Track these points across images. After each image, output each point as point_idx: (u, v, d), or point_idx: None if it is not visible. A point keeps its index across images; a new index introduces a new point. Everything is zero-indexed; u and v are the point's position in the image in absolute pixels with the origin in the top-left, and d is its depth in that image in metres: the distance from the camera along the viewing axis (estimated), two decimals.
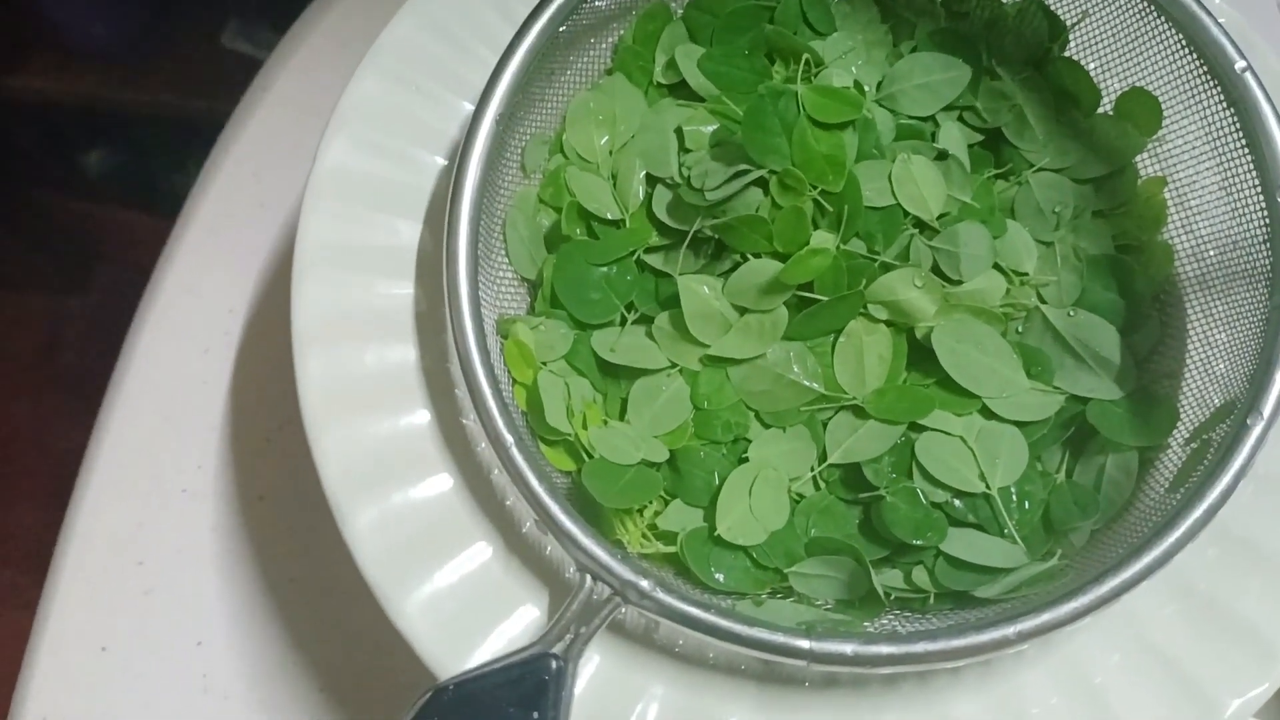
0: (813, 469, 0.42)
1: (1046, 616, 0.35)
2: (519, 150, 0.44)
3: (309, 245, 0.41)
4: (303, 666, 0.50)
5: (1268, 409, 0.36)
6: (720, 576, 0.39)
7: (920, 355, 0.42)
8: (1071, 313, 0.42)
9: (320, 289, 0.41)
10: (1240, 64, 0.38)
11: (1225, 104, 0.40)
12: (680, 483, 0.41)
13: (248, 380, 0.54)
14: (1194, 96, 0.41)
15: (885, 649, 0.35)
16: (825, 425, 0.42)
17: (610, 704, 0.38)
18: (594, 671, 0.38)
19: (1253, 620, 0.38)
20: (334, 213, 0.42)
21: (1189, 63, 0.41)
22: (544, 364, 0.41)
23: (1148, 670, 0.38)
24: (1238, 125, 0.39)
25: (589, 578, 0.37)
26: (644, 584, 0.36)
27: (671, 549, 0.40)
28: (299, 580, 0.51)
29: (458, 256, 0.38)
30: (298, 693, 0.49)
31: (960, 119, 0.45)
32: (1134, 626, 0.39)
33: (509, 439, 0.36)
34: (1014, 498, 0.41)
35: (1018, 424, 0.41)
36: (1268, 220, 0.38)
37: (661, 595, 0.35)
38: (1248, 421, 0.36)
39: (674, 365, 0.42)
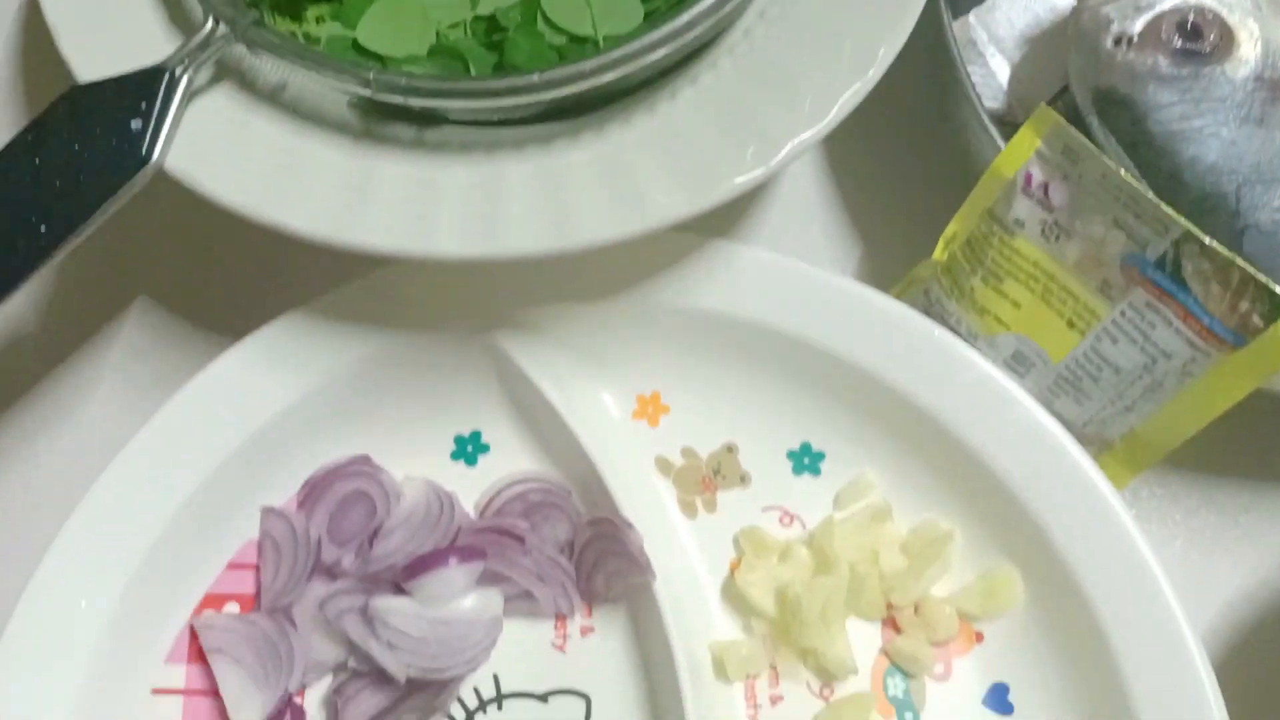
0: (465, 22, 0.49)
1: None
2: None
3: None
4: None
5: None
6: None
7: None
8: None
9: None
10: None
11: None
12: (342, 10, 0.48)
13: None
14: None
15: (438, 84, 0.42)
16: None
17: (214, 134, 0.45)
18: (208, 104, 0.46)
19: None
20: None
21: None
22: None
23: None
24: None
25: (211, 18, 0.44)
26: (252, 15, 0.43)
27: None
28: None
29: None
30: None
31: None
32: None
33: None
34: None
35: None
36: None
37: (265, 33, 0.43)
38: None
39: None
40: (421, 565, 0.46)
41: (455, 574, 0.46)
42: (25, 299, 0.55)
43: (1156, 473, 0.52)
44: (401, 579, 0.46)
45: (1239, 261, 0.42)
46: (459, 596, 0.46)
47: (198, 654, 0.48)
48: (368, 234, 0.43)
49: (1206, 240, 0.42)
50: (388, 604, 0.46)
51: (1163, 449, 0.48)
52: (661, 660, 0.46)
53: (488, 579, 0.47)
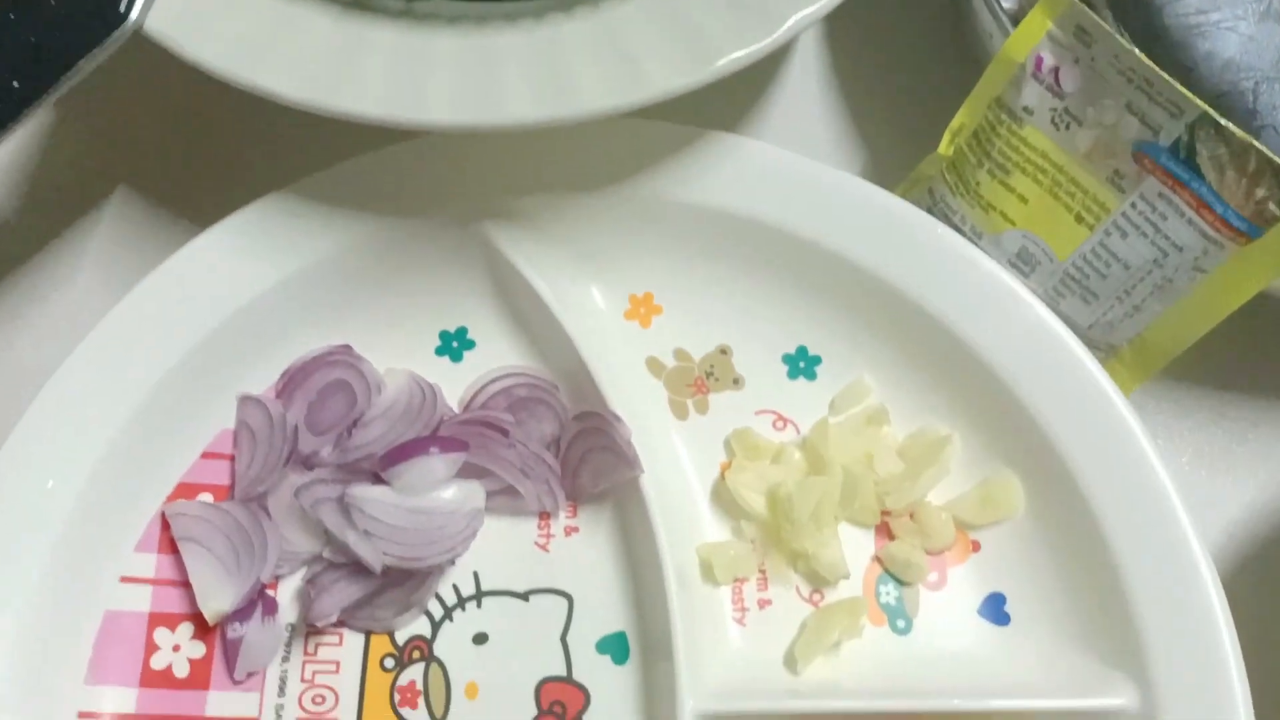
0: None
1: None
2: None
3: None
4: None
5: None
6: None
7: None
8: None
9: None
10: None
11: None
12: None
13: None
14: None
15: None
16: None
17: None
18: None
19: None
20: None
21: None
22: None
23: None
24: None
25: None
26: None
27: None
28: None
29: None
30: None
31: None
32: None
33: None
34: None
35: None
36: None
37: None
38: None
39: None
40: (400, 453, 0.44)
41: (435, 463, 0.44)
42: (2, 186, 0.54)
43: (1163, 386, 0.51)
44: (380, 468, 0.45)
45: (1257, 145, 0.40)
46: (439, 487, 0.45)
47: (169, 544, 0.46)
48: (358, 100, 0.42)
49: (1223, 122, 0.41)
50: (365, 492, 0.44)
51: (1170, 352, 0.46)
52: (647, 560, 0.45)
53: (470, 472, 0.46)
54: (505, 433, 0.46)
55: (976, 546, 0.47)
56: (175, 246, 0.47)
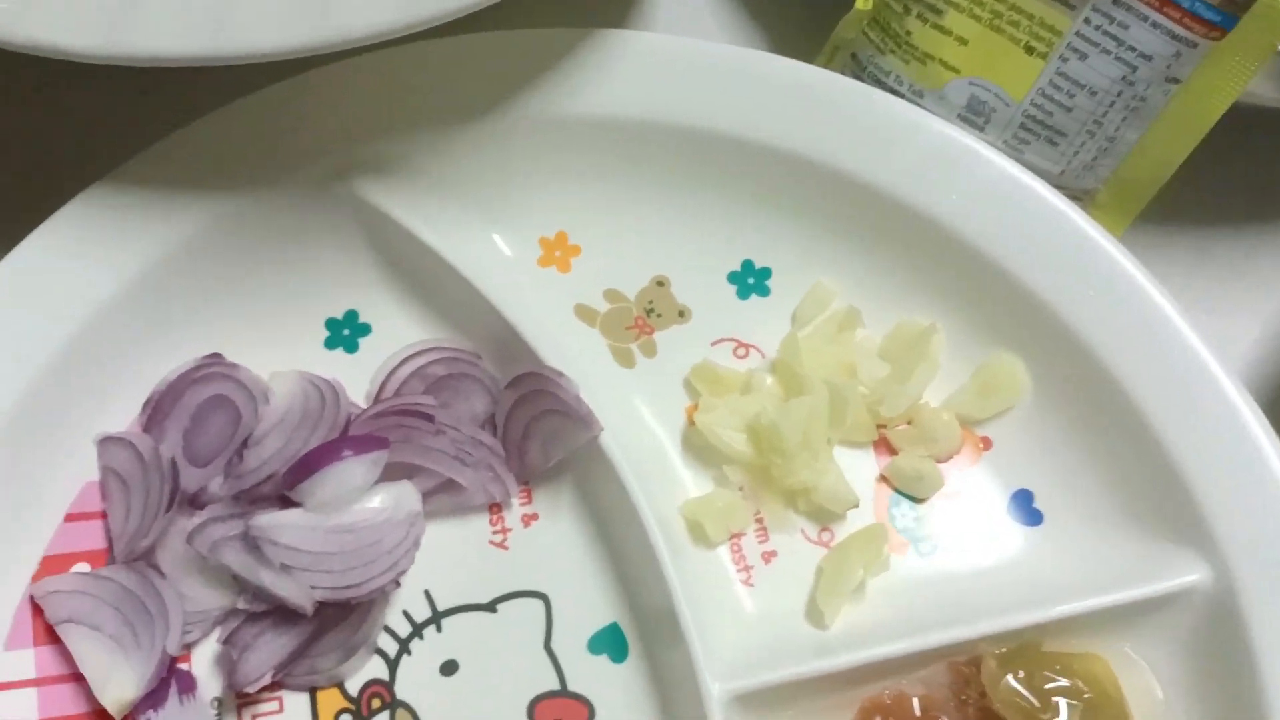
0: None
1: None
2: None
3: None
4: None
5: None
6: None
7: None
8: None
9: None
10: None
11: None
12: None
13: None
14: None
15: None
16: None
17: None
18: None
19: None
20: None
21: None
22: None
23: None
24: None
25: None
26: None
27: None
28: None
29: None
30: None
31: None
32: None
33: None
34: None
35: None
36: None
37: None
38: None
39: None
40: (307, 465, 0.36)
41: (352, 469, 0.36)
42: None
43: (1144, 235, 0.45)
44: (285, 487, 0.37)
45: None
46: (361, 497, 0.37)
47: (46, 632, 0.37)
48: (152, 38, 0.33)
49: None
50: (272, 520, 0.36)
51: (1151, 186, 0.41)
52: (627, 533, 0.38)
53: (396, 474, 0.38)
54: (430, 418, 0.38)
55: (987, 444, 0.41)
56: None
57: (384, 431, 0.38)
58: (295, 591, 0.35)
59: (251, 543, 0.36)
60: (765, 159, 0.42)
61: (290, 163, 0.40)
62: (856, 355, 0.41)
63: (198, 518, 0.38)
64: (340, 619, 0.37)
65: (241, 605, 0.37)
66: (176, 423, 0.39)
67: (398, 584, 0.37)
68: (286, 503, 0.37)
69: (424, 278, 0.42)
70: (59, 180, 0.39)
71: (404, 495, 0.37)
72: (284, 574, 0.35)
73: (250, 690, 0.36)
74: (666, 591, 0.36)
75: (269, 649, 0.36)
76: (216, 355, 0.40)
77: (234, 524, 0.37)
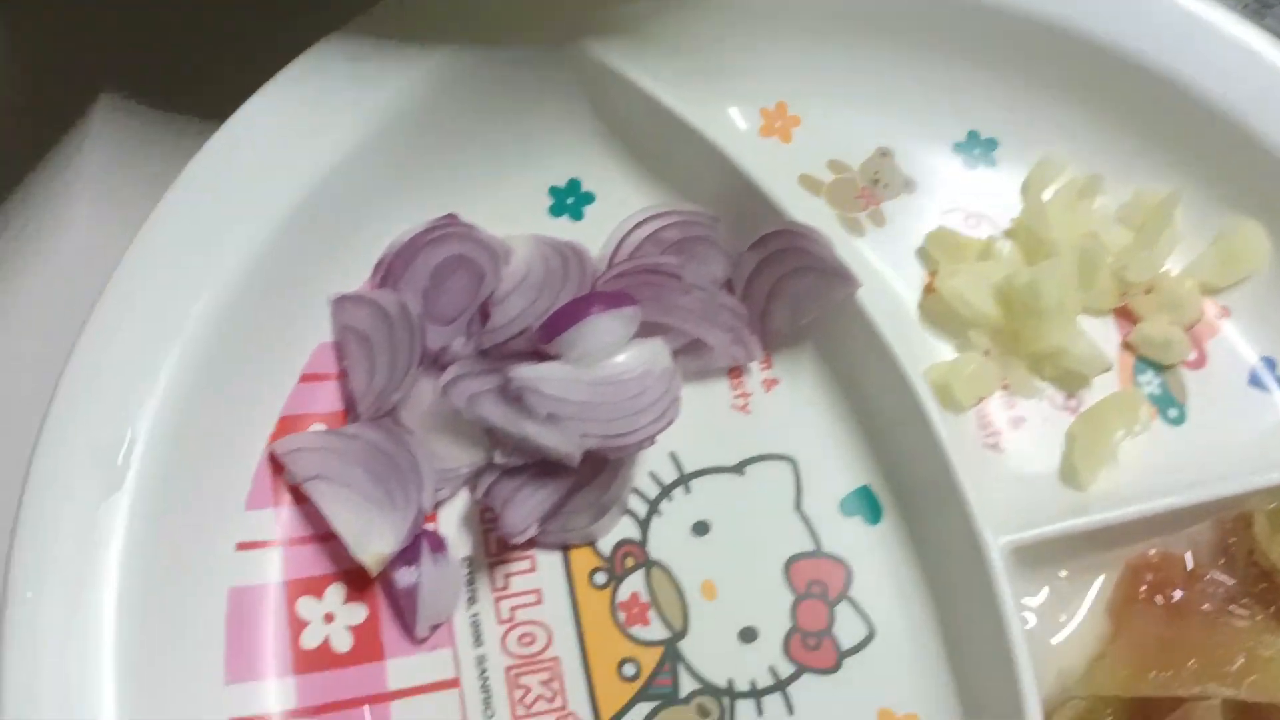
0: None
1: None
2: None
3: None
4: None
5: None
6: None
7: None
8: None
9: None
10: None
11: None
12: None
13: None
14: None
15: None
16: None
17: None
18: None
19: None
20: None
21: None
22: None
23: None
24: None
25: None
26: None
27: None
28: None
29: None
30: None
31: None
32: None
33: None
34: None
35: None
36: None
37: None
38: None
39: None
40: (564, 318, 0.35)
41: (608, 323, 0.35)
42: None
43: None
44: (542, 340, 0.35)
45: None
46: (618, 352, 0.35)
47: (288, 492, 0.36)
48: None
49: None
50: (534, 371, 0.35)
51: None
52: (878, 393, 0.37)
53: (642, 333, 0.36)
54: (678, 277, 0.37)
55: (1226, 312, 0.40)
56: (186, 153, 0.37)
57: (632, 290, 0.37)
58: (563, 441, 0.34)
59: (512, 395, 0.35)
60: (992, 23, 0.41)
61: (524, 22, 0.39)
62: (1097, 222, 0.40)
63: (446, 374, 0.36)
64: (589, 478, 0.36)
65: (497, 460, 0.35)
66: (413, 283, 0.38)
67: (653, 441, 0.36)
68: (538, 359, 0.36)
69: (652, 145, 0.41)
70: (289, 33, 0.38)
71: (659, 352, 0.36)
72: (550, 424, 0.34)
73: (516, 541, 0.35)
74: (936, 449, 0.35)
75: (529, 503, 0.35)
76: (452, 216, 0.39)
77: (486, 379, 0.36)
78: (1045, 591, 0.36)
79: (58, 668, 0.30)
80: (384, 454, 0.36)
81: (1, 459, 0.34)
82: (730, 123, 0.42)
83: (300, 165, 0.37)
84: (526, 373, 0.35)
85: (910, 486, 0.37)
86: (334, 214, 0.37)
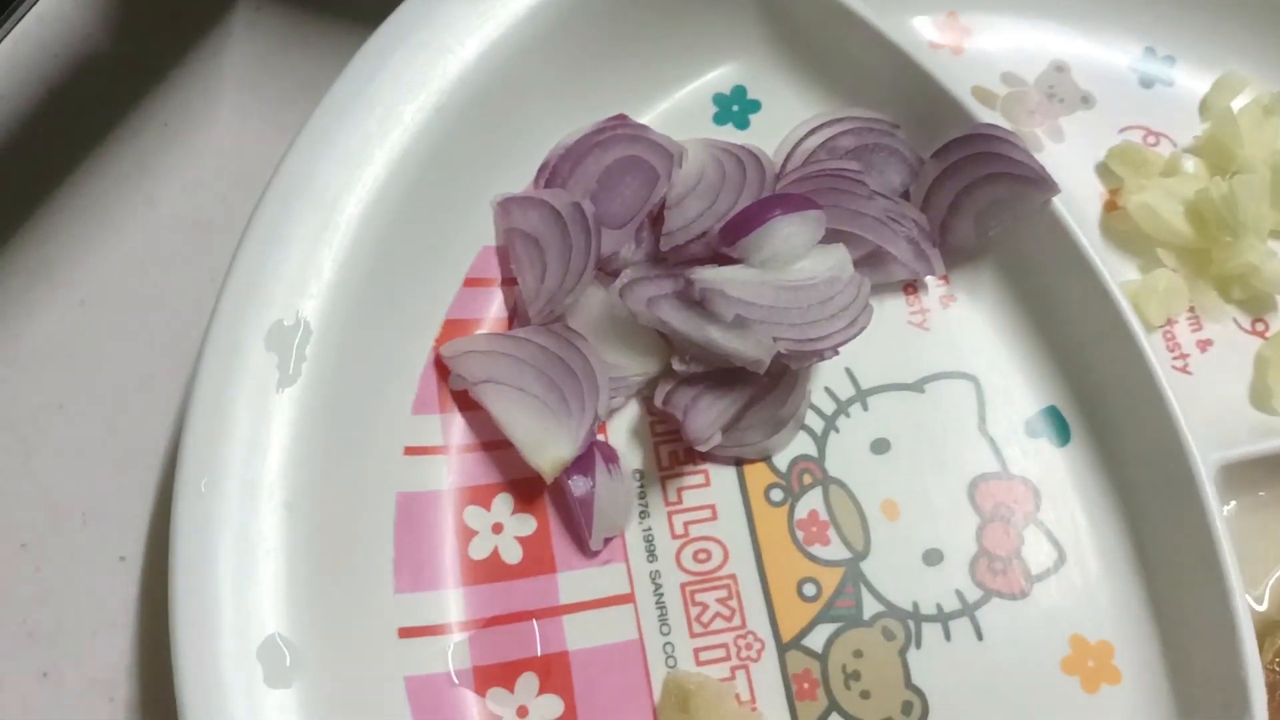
0: None
1: None
2: None
3: None
4: None
5: None
6: None
7: None
8: None
9: None
10: None
11: None
12: None
13: None
14: None
15: None
16: None
17: None
18: None
19: None
20: None
21: None
22: None
23: None
24: None
25: None
26: None
27: None
28: None
29: None
30: None
31: None
32: None
33: None
34: None
35: None
36: None
37: None
38: None
39: None
40: (748, 220, 0.34)
41: (794, 225, 0.34)
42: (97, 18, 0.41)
43: None
44: (725, 244, 0.34)
45: None
46: (803, 256, 0.34)
47: (455, 398, 0.34)
48: None
49: None
50: (719, 274, 0.33)
51: None
52: (1071, 309, 0.35)
53: (825, 240, 0.35)
54: (862, 182, 0.35)
55: None
56: (327, 54, 0.35)
57: (815, 195, 0.35)
58: (752, 345, 0.32)
59: (695, 298, 0.33)
60: None
61: None
62: None
63: (621, 278, 0.35)
64: (765, 392, 0.35)
65: (676, 367, 0.34)
66: (580, 185, 0.36)
67: (836, 352, 0.34)
68: (717, 263, 0.34)
69: (822, 51, 0.39)
70: None
71: (844, 258, 0.35)
72: (738, 328, 0.32)
73: (702, 448, 0.33)
74: (1141, 365, 0.34)
75: (712, 410, 0.33)
76: (622, 116, 0.37)
77: (662, 283, 0.34)
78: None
79: (228, 564, 0.28)
80: (556, 358, 0.34)
81: (151, 348, 0.33)
82: (905, 29, 0.40)
83: (461, 64, 0.35)
84: (711, 275, 0.33)
85: (1103, 406, 0.35)
86: (495, 115, 0.36)
